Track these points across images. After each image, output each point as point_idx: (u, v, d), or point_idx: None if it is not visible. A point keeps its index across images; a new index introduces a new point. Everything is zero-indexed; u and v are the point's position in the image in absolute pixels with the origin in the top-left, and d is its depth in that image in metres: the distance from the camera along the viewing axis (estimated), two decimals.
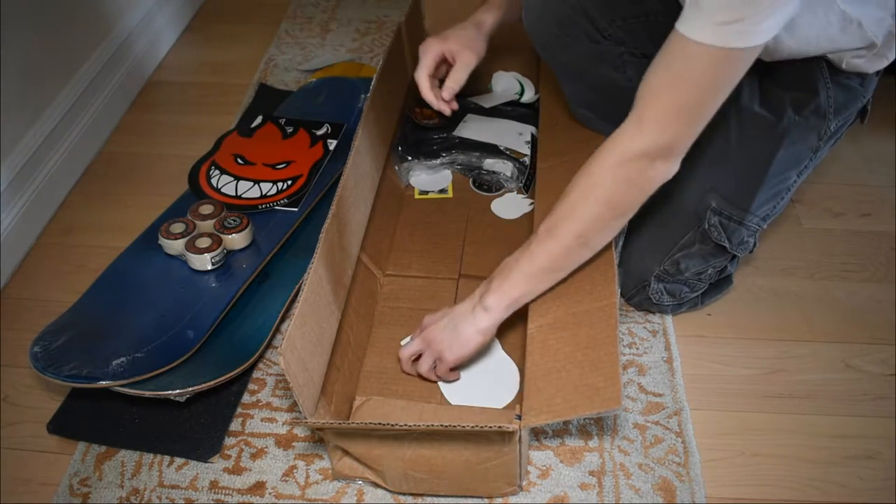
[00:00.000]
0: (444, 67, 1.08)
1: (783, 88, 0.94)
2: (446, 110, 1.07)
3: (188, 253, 1.05)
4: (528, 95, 1.38)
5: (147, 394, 0.91)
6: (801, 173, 0.99)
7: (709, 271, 1.03)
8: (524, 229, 1.18)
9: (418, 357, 0.95)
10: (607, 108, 1.09)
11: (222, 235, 1.07)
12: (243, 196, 1.17)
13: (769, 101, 0.94)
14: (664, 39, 1.05)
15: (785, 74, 0.92)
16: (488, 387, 0.95)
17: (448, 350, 0.90)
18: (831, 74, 0.91)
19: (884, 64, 0.90)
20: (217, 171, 1.22)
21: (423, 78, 1.03)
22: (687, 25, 0.70)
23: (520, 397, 0.93)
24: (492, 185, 1.27)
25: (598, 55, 1.04)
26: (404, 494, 0.89)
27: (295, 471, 0.93)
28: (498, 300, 0.87)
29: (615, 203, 0.81)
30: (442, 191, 1.27)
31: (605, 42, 1.03)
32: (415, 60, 1.41)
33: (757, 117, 0.94)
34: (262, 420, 0.99)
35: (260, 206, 1.15)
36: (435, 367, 0.93)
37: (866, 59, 0.88)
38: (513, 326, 1.05)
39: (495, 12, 1.08)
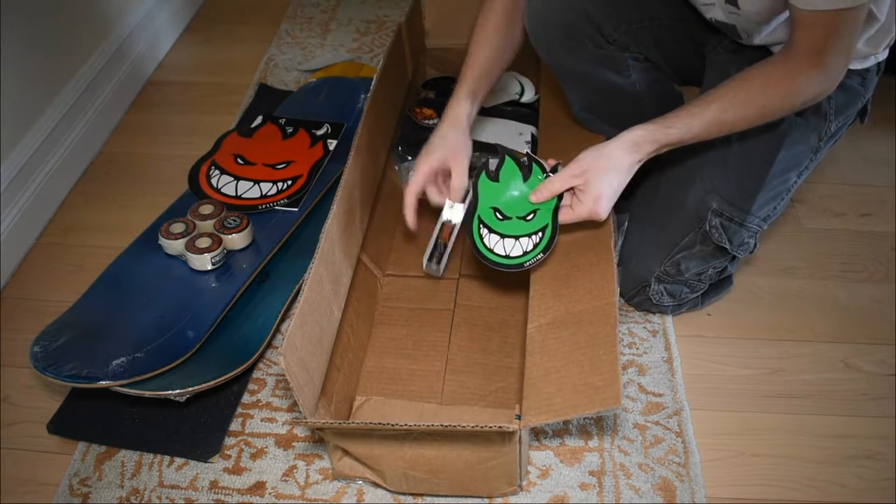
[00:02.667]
0: (440, 177, 1.01)
1: None
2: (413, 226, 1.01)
3: (188, 253, 1.05)
4: (528, 95, 1.37)
5: (147, 394, 0.90)
6: (802, 174, 0.99)
7: (709, 272, 1.03)
8: None
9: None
10: (610, 111, 1.09)
11: (222, 235, 1.07)
12: (243, 196, 1.17)
13: None
14: (668, 44, 1.05)
15: None
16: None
17: (605, 211, 0.89)
18: None
19: (887, 40, 0.90)
20: (217, 171, 1.22)
21: (409, 195, 0.99)
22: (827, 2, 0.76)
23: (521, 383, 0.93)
24: None
25: (602, 60, 1.04)
26: (404, 494, 0.89)
27: (295, 471, 0.93)
28: (641, 149, 0.88)
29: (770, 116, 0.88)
30: None
31: (610, 47, 1.03)
32: (415, 60, 1.42)
33: None
34: (262, 420, 0.98)
35: (260, 206, 1.15)
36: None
37: (869, 35, 0.88)
38: (513, 326, 1.05)
39: (466, 102, 1.00)
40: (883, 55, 0.93)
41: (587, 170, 0.87)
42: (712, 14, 0.95)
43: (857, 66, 0.92)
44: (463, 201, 0.99)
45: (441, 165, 0.97)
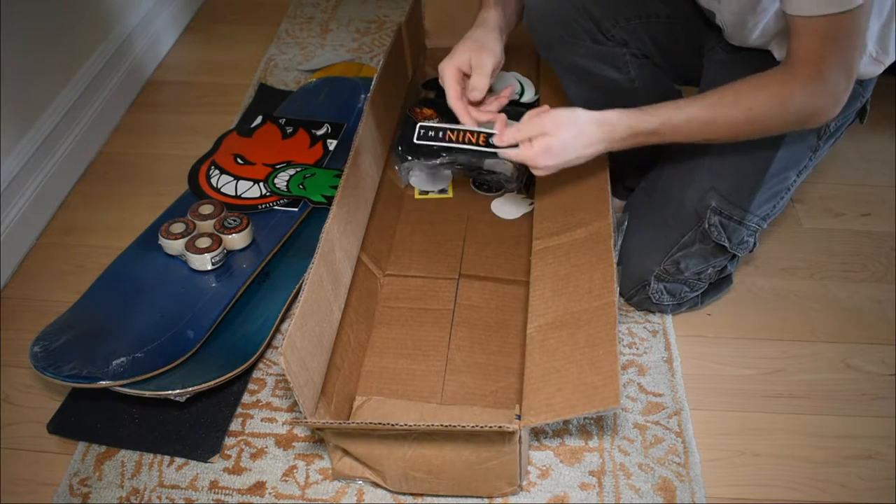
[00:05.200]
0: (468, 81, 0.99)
1: None
2: (489, 118, 0.98)
3: (188, 253, 1.05)
4: (528, 95, 1.37)
5: (147, 394, 0.91)
6: (801, 173, 0.99)
7: (709, 271, 1.03)
8: (524, 229, 1.18)
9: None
10: (610, 108, 1.09)
11: (222, 235, 1.07)
12: (243, 196, 1.17)
13: None
14: (666, 41, 1.06)
15: None
16: None
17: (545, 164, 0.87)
18: None
19: (880, 69, 0.90)
20: (217, 171, 1.22)
21: (455, 103, 0.95)
22: (810, 6, 0.76)
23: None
24: (492, 185, 1.27)
25: (600, 56, 1.04)
26: (404, 494, 0.89)
27: (295, 471, 0.93)
28: (628, 132, 0.87)
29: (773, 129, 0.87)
30: (442, 191, 1.27)
31: (608, 43, 1.03)
32: (415, 60, 1.42)
33: None
34: (262, 420, 0.99)
35: (260, 206, 1.15)
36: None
37: (863, 62, 0.89)
38: (513, 326, 1.05)
39: (495, 8, 1.00)
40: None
41: (558, 123, 0.86)
42: None
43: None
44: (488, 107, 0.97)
45: (465, 65, 0.94)
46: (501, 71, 1.40)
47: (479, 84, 0.94)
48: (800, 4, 0.76)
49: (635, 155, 1.16)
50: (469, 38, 0.96)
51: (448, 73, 0.94)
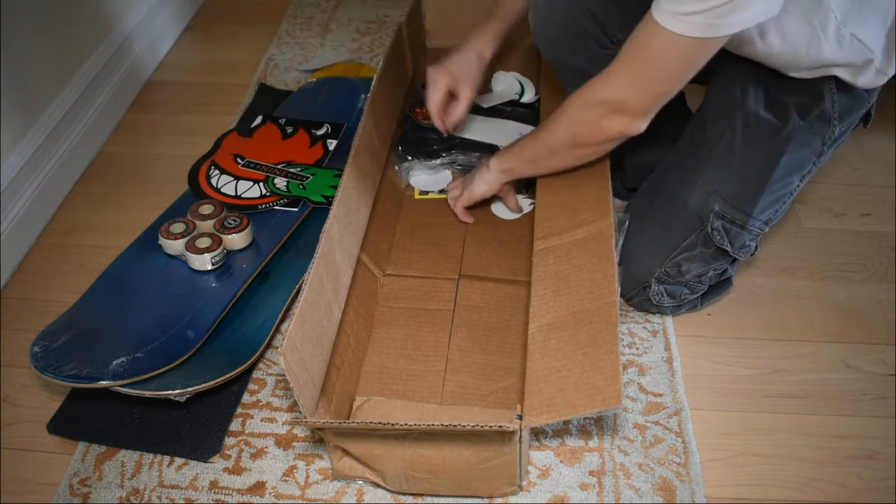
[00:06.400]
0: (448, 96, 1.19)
1: (789, 93, 0.93)
2: (446, 130, 1.23)
3: (188, 253, 1.05)
4: (529, 95, 1.37)
5: (147, 394, 0.90)
6: (804, 178, 0.99)
7: (709, 274, 1.03)
8: (524, 229, 1.18)
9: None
10: None
11: (222, 235, 1.07)
12: (243, 196, 1.17)
13: (774, 106, 0.94)
14: None
15: (791, 79, 0.92)
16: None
17: (468, 190, 1.13)
18: (836, 80, 0.91)
19: (884, 80, 0.90)
20: (217, 171, 1.22)
21: (433, 107, 1.17)
22: (657, 12, 0.77)
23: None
24: None
25: (605, 60, 1.03)
26: (404, 494, 0.89)
27: (295, 471, 0.93)
28: (496, 165, 1.08)
29: (575, 134, 0.95)
30: (442, 191, 1.27)
31: (614, 47, 1.02)
32: (415, 60, 1.42)
33: (762, 121, 0.94)
34: (262, 420, 0.99)
35: (260, 206, 1.15)
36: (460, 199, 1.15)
37: (866, 74, 0.88)
38: (513, 326, 1.05)
39: (493, 42, 1.15)
40: None
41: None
42: None
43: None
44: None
45: (454, 89, 1.15)
46: (501, 71, 1.41)
47: (459, 113, 1.18)
48: (666, 20, 0.77)
49: (635, 155, 1.16)
50: (466, 66, 1.14)
51: (440, 87, 1.15)
